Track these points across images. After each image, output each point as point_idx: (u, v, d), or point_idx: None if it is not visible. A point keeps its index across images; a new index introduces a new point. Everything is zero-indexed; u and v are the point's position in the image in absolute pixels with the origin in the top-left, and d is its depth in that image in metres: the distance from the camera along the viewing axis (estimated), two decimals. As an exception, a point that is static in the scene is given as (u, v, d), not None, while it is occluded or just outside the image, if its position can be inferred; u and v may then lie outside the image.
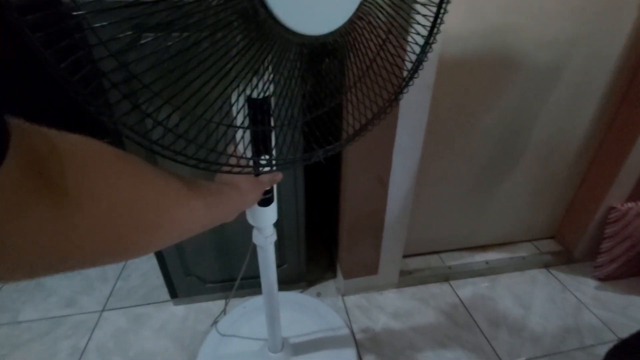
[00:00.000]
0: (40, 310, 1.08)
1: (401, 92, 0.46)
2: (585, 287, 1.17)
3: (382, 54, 0.44)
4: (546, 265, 1.24)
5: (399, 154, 0.87)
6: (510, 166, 1.11)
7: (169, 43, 0.34)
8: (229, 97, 0.42)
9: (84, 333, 1.01)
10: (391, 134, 0.84)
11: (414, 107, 0.81)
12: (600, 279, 1.18)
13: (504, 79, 0.93)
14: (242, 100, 0.43)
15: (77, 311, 1.08)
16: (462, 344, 0.99)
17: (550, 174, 1.17)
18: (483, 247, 1.28)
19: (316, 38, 0.33)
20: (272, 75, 0.40)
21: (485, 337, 1.01)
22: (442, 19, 0.44)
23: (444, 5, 0.44)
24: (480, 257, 1.25)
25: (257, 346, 0.92)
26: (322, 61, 0.38)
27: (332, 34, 0.34)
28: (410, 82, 0.47)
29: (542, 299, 1.13)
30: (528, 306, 1.10)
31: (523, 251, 1.28)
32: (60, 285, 1.16)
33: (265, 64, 0.38)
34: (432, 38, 0.44)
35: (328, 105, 0.43)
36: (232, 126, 0.43)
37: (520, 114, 1.01)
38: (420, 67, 0.46)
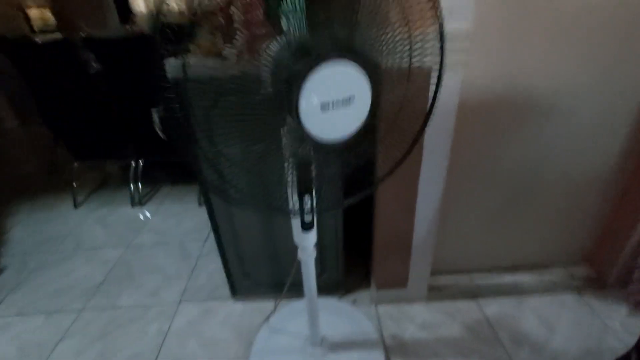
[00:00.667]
0: (133, 298, 1.38)
1: (404, 158, 0.62)
2: (615, 314, 1.19)
3: (390, 134, 0.60)
4: (577, 290, 1.28)
5: (424, 186, 1.01)
6: (536, 194, 1.19)
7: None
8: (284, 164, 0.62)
9: (167, 319, 1.27)
10: (416, 169, 0.99)
11: (437, 147, 0.95)
12: (632, 307, 1.19)
13: (524, 121, 1.03)
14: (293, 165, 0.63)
15: (160, 301, 1.36)
16: (484, 357, 1.09)
17: (579, 201, 1.21)
18: (512, 268, 1.35)
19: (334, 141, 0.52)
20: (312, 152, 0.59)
21: (507, 353, 1.09)
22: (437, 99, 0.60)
23: (439, 89, 0.59)
24: (509, 278, 1.32)
25: (301, 341, 1.11)
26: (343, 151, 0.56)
27: (345, 138, 0.52)
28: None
29: (568, 322, 1.18)
30: (553, 327, 1.16)
31: (554, 274, 1.32)
32: (147, 280, 1.46)
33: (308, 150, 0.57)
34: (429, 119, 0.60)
35: (352, 167, 0.60)
36: (285, 184, 0.63)
37: (542, 150, 1.09)
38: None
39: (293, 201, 0.64)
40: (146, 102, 1.79)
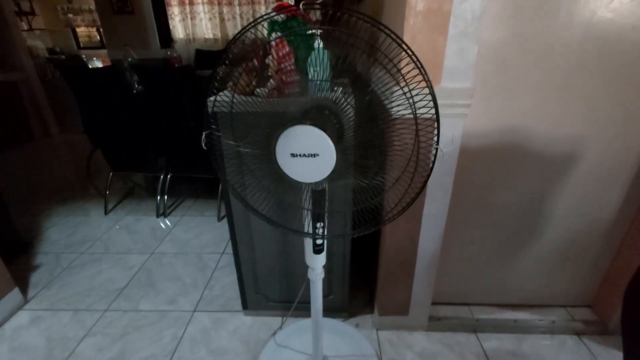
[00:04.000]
0: (152, 303, 1.48)
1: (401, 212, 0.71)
2: (615, 360, 1.21)
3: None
4: (577, 333, 1.30)
5: (427, 221, 1.10)
6: (536, 235, 1.25)
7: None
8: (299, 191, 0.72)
9: (181, 326, 1.37)
10: (421, 204, 1.08)
11: (439, 187, 1.04)
12: (632, 355, 1.20)
13: (521, 166, 1.11)
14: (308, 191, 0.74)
15: (176, 308, 1.46)
16: (479, 390, 1.12)
17: (581, 244, 1.26)
18: (513, 306, 1.39)
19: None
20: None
21: (502, 388, 1.13)
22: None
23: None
24: (509, 315, 1.36)
25: (304, 357, 1.17)
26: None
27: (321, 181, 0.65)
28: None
29: (566, 364, 1.20)
30: (550, 368, 1.19)
31: (554, 315, 1.35)
32: (167, 287, 1.57)
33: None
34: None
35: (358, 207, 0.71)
36: (303, 208, 0.74)
37: (541, 193, 1.16)
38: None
39: (307, 225, 0.74)
40: (179, 123, 1.96)
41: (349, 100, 0.65)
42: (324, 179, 0.67)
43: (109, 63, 3.97)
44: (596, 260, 1.29)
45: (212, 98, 0.69)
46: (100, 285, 1.59)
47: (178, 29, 3.79)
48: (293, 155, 0.65)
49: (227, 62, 0.63)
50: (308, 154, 0.64)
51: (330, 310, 1.35)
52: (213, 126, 0.67)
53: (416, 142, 0.65)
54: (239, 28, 3.85)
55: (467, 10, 0.83)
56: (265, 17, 0.61)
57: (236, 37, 0.61)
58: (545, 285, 1.35)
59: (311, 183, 0.70)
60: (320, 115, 0.68)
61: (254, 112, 0.71)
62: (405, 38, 0.85)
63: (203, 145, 0.68)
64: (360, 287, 1.52)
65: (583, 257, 1.29)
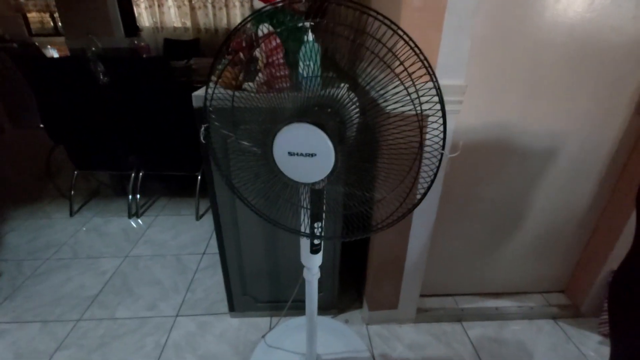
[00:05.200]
0: (131, 310, 1.40)
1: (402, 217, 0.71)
2: (589, 341, 1.29)
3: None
4: (553, 317, 1.38)
5: (417, 216, 1.10)
6: (517, 226, 1.30)
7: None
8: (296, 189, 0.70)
9: (164, 332, 1.30)
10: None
11: (431, 181, 1.05)
12: (604, 335, 1.29)
13: (506, 161, 1.15)
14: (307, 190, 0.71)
15: (157, 314, 1.38)
16: (467, 378, 1.16)
17: (557, 234, 1.33)
18: (495, 294, 1.44)
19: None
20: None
21: (488, 375, 1.17)
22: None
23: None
24: (491, 303, 1.41)
25: (297, 357, 1.16)
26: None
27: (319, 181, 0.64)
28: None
29: (545, 347, 1.27)
30: (531, 352, 1.25)
31: (532, 301, 1.42)
32: (145, 292, 1.49)
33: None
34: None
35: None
36: (300, 206, 0.71)
37: (523, 186, 1.21)
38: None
39: (305, 225, 0.72)
40: (153, 117, 1.85)
41: (352, 97, 0.63)
42: (322, 180, 0.65)
43: (66, 52, 3.67)
44: (569, 248, 1.37)
45: (210, 91, 0.64)
46: (71, 294, 1.48)
47: (144, 17, 3.57)
48: (290, 154, 0.62)
49: (227, 55, 0.58)
50: (305, 154, 0.62)
51: (319, 308, 1.33)
52: (216, 123, 0.63)
53: (419, 149, 0.64)
54: (211, 17, 3.70)
55: (462, 5, 0.82)
56: (265, 9, 0.57)
57: (239, 27, 0.56)
58: (524, 273, 1.42)
59: (308, 183, 0.67)
60: (321, 114, 0.65)
61: (251, 107, 0.67)
62: (400, 33, 0.84)
63: (202, 139, 0.64)
64: (348, 283, 1.52)
65: (558, 245, 1.36)
